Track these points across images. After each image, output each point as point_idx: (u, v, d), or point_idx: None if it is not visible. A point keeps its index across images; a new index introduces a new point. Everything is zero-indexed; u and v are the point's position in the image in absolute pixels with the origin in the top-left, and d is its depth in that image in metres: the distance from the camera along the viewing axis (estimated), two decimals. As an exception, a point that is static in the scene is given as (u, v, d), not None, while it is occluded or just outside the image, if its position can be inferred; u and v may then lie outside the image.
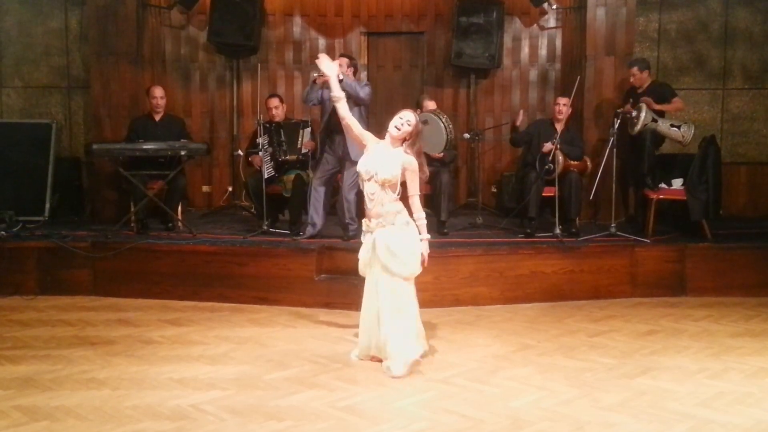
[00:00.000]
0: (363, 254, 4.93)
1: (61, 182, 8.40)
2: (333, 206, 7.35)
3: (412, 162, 4.76)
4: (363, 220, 4.95)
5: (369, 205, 4.84)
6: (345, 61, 6.83)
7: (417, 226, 4.83)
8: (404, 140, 4.81)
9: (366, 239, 4.91)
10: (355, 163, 6.54)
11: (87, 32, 8.39)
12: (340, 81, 6.39)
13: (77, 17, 8.75)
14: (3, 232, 7.14)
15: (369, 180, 4.80)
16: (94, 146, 7.24)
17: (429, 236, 4.89)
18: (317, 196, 6.91)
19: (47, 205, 8.15)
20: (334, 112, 6.71)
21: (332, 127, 6.78)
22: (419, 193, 4.84)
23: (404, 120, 4.80)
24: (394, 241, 4.76)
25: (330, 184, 7.04)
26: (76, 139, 8.92)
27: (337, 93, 5.04)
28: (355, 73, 6.92)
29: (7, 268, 6.84)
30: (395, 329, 4.78)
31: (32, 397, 4.36)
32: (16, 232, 7.27)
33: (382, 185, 4.75)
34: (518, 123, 7.90)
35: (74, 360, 5.05)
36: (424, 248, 4.84)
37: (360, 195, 7.20)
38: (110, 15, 7.99)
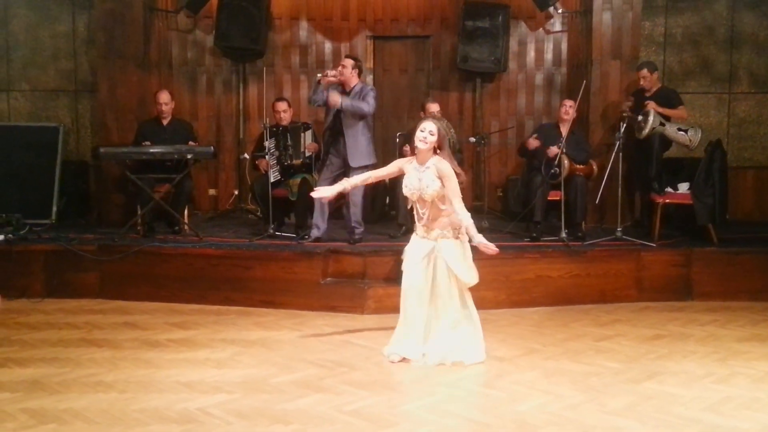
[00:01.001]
0: (414, 254, 5.05)
1: (68, 185, 8.43)
2: (339, 209, 7.36)
3: (445, 168, 4.86)
4: (418, 224, 5.08)
5: (424, 220, 4.99)
6: (350, 62, 6.86)
7: (466, 228, 4.90)
8: (434, 150, 4.92)
9: (420, 243, 5.04)
10: (356, 169, 6.61)
11: (94, 36, 8.42)
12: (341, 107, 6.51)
13: (84, 21, 8.79)
14: (10, 235, 7.16)
15: (418, 200, 4.97)
16: (101, 150, 7.27)
17: (480, 236, 4.94)
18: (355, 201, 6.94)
19: (54, 209, 8.18)
20: (337, 113, 6.78)
21: (337, 129, 6.81)
22: (460, 196, 4.91)
23: (426, 132, 4.90)
24: (457, 253, 4.94)
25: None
26: (83, 142, 8.95)
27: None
28: (359, 75, 6.94)
29: (15, 271, 6.87)
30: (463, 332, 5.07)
31: (40, 399, 4.38)
32: (23, 235, 7.29)
33: (432, 202, 4.89)
34: (529, 147, 7.70)
35: (81, 363, 5.06)
36: (484, 243, 4.94)
37: (366, 198, 7.24)
38: (117, 19, 8.03)
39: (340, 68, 6.82)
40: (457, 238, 4.96)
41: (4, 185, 8.16)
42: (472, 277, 5.05)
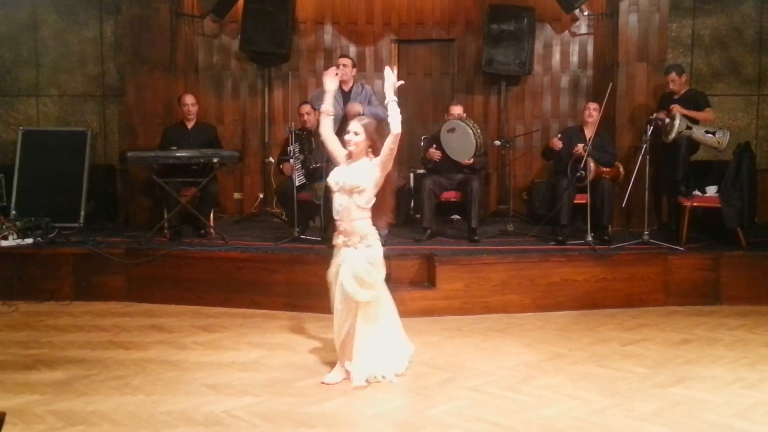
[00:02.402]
0: (331, 270, 4.82)
1: (95, 189, 8.53)
2: None
3: (380, 155, 4.60)
4: (334, 234, 4.82)
5: (336, 217, 4.71)
6: (350, 61, 7.00)
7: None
8: (369, 149, 4.69)
9: (337, 254, 4.77)
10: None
11: (121, 41, 8.50)
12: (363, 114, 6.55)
13: (112, 26, 8.88)
14: (39, 239, 7.26)
15: (338, 191, 4.68)
16: (129, 154, 7.34)
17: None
18: None
19: (82, 212, 8.28)
20: (343, 117, 6.80)
21: (340, 129, 6.84)
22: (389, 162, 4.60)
23: (351, 132, 4.67)
24: (360, 268, 4.62)
25: None
26: (111, 146, 9.04)
27: (327, 107, 4.95)
28: (356, 72, 7.14)
29: (43, 274, 6.96)
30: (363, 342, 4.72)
31: (68, 401, 4.43)
32: (52, 239, 7.39)
33: (350, 192, 4.62)
34: (555, 148, 7.64)
35: (109, 365, 5.11)
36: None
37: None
38: (144, 24, 8.11)
39: (341, 68, 6.84)
40: (368, 246, 4.65)
41: (34, 189, 8.28)
42: (362, 294, 4.63)
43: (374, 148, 4.68)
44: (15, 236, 7.13)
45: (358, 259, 4.63)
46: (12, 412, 4.15)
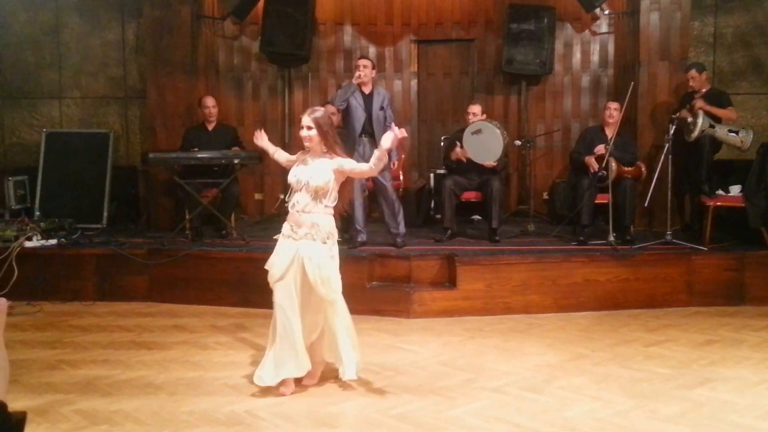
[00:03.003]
0: (281, 260, 4.58)
1: (118, 190, 8.58)
2: (369, 215, 7.44)
3: (343, 162, 4.54)
4: (285, 224, 4.64)
5: (297, 212, 4.55)
6: (370, 63, 7.02)
7: (379, 156, 4.45)
8: (323, 144, 4.57)
9: (285, 246, 4.59)
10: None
11: (143, 44, 8.56)
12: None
13: (133, 29, 8.94)
14: (63, 239, 7.32)
15: (300, 190, 4.56)
16: (150, 155, 7.39)
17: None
18: (359, 202, 6.99)
19: (105, 213, 8.34)
20: (369, 117, 6.82)
21: (364, 131, 6.85)
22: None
23: (304, 128, 4.58)
24: (321, 258, 4.48)
25: (364, 189, 7.15)
26: (133, 148, 9.09)
27: (279, 158, 5.01)
28: (375, 73, 7.17)
29: (67, 275, 7.02)
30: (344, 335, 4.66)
31: (92, 401, 4.46)
32: (76, 240, 7.45)
33: (315, 194, 4.51)
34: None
35: (132, 365, 5.15)
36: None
37: (365, 201, 7.23)
38: (165, 27, 8.16)
39: (362, 69, 6.88)
40: (324, 242, 4.51)
41: (57, 191, 8.36)
42: (327, 290, 4.52)
43: (325, 140, 4.55)
44: (39, 237, 7.19)
45: (323, 255, 4.50)
46: (36, 412, 4.20)
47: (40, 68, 9.06)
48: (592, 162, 7.24)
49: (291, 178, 4.65)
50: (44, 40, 9.02)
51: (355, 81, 6.81)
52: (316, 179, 4.51)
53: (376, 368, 5.03)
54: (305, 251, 4.49)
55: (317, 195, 4.52)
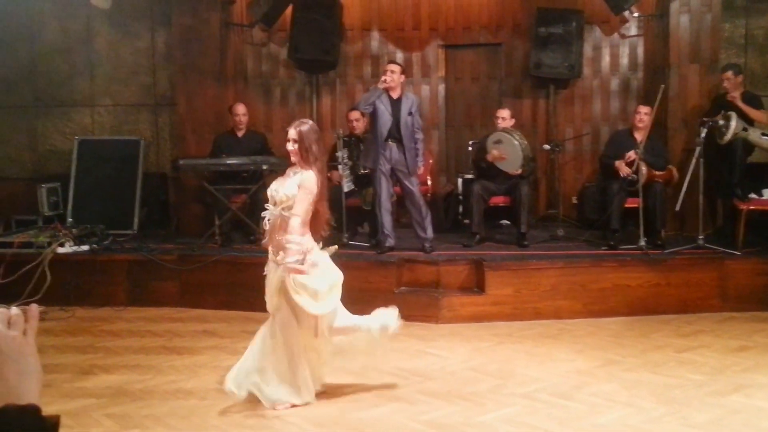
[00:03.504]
0: (269, 289, 4.58)
1: (148, 197, 8.65)
2: (397, 220, 7.44)
3: (307, 178, 4.38)
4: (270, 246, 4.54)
5: (265, 228, 4.52)
6: (398, 68, 7.03)
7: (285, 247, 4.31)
8: (300, 158, 4.47)
9: (271, 270, 4.53)
10: (413, 176, 6.80)
11: (173, 51, 8.64)
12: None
13: (163, 37, 9.02)
14: (94, 245, 7.41)
15: (271, 203, 4.50)
16: (180, 162, 7.46)
17: (294, 259, 4.26)
18: (387, 208, 6.99)
19: (136, 219, 8.42)
20: (396, 122, 6.84)
21: (390, 136, 6.83)
22: (302, 218, 4.35)
23: (290, 141, 4.47)
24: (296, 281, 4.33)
25: (392, 194, 7.18)
26: (163, 155, 9.17)
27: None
28: (405, 78, 7.16)
29: (99, 280, 7.11)
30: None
31: (123, 405, 4.51)
32: (107, 246, 7.54)
33: (281, 206, 4.41)
34: (622, 174, 7.26)
35: (163, 370, 5.19)
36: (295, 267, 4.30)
37: (393, 206, 7.21)
38: (195, 35, 8.24)
39: (389, 74, 6.85)
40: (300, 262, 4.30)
41: (89, 197, 8.45)
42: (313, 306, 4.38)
43: (302, 154, 4.44)
44: (71, 243, 7.29)
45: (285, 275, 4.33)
46: (69, 416, 4.25)
47: (72, 76, 9.18)
48: (622, 167, 7.16)
49: (269, 189, 4.58)
50: (76, 49, 9.14)
51: (380, 86, 6.81)
52: (280, 192, 4.43)
53: (405, 374, 5.03)
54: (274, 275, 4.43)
55: (283, 208, 4.41)
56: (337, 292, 4.52)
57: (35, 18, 9.09)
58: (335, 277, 4.52)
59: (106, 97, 9.20)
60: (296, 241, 4.28)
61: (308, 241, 4.43)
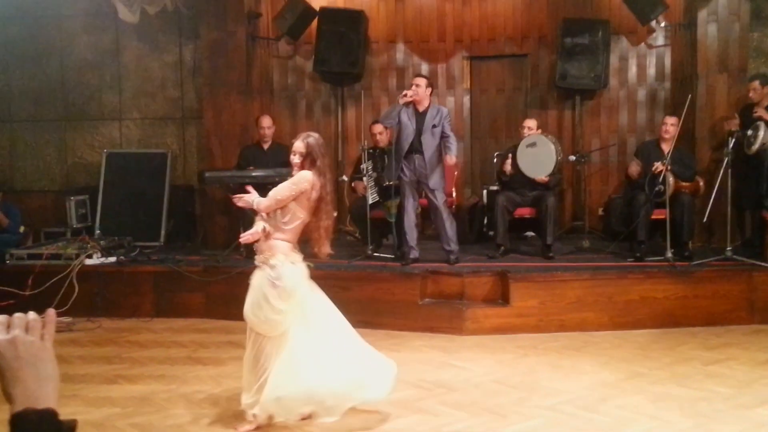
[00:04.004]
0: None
1: (175, 209, 8.75)
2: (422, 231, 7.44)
3: (300, 175, 4.34)
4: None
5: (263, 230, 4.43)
6: (423, 81, 7.02)
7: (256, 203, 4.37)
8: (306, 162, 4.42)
9: (256, 275, 4.50)
10: (435, 190, 6.80)
11: (200, 65, 8.74)
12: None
13: (191, 51, 9.13)
14: (122, 257, 7.49)
15: None
16: (206, 174, 7.53)
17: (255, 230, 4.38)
18: (411, 219, 6.99)
19: (163, 231, 8.51)
20: (418, 134, 6.84)
21: (413, 148, 6.83)
22: (272, 203, 4.30)
23: (295, 152, 4.43)
24: (262, 290, 4.34)
25: (417, 206, 7.19)
26: (190, 167, 9.26)
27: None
28: (431, 93, 7.11)
29: (126, 291, 7.19)
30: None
31: (148, 415, 4.54)
32: (134, 257, 7.61)
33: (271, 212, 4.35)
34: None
35: (187, 380, 5.23)
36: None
37: (418, 218, 7.18)
38: (222, 48, 8.32)
39: (414, 88, 6.86)
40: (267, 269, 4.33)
41: (117, 209, 8.57)
42: (262, 326, 4.34)
43: (311, 160, 4.40)
44: (99, 255, 7.37)
45: (266, 281, 4.32)
46: (93, 425, 4.29)
47: (101, 90, 9.32)
48: (632, 169, 7.27)
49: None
50: (105, 63, 9.28)
51: (401, 101, 6.82)
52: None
53: (429, 385, 5.01)
54: (254, 278, 4.39)
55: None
56: (295, 311, 4.37)
57: (65, 33, 9.25)
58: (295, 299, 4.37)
59: (134, 111, 9.33)
60: (260, 201, 4.34)
61: (287, 251, 4.37)
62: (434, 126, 6.91)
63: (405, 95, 6.80)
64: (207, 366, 5.57)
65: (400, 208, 7.05)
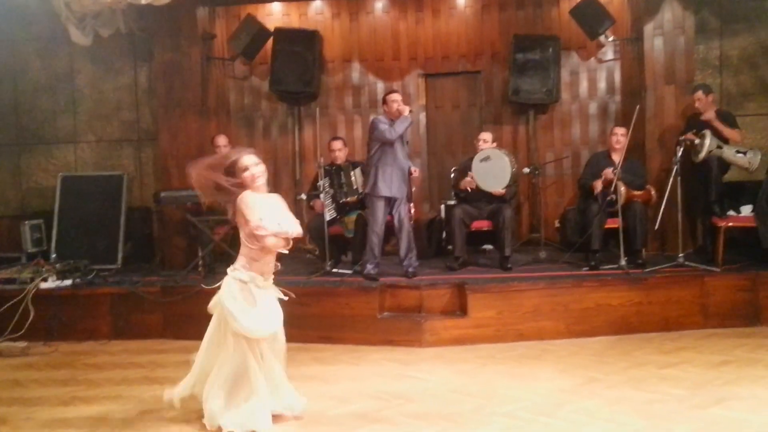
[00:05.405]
0: None
1: (132, 231, 8.67)
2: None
3: (241, 198, 4.50)
4: None
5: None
6: (399, 96, 7.04)
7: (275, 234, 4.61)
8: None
9: None
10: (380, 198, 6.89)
11: (155, 87, 8.71)
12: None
13: (146, 73, 9.10)
14: (78, 280, 7.39)
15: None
16: (162, 194, 7.50)
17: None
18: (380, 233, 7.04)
19: (120, 254, 8.42)
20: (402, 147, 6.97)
21: (387, 162, 6.90)
22: (259, 225, 4.49)
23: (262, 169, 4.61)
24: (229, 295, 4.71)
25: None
26: (147, 189, 9.18)
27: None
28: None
29: (82, 315, 7.08)
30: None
31: (103, 435, 4.48)
32: (90, 280, 7.51)
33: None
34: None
35: (144, 400, 5.17)
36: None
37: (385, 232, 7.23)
38: (176, 69, 8.32)
39: (400, 102, 7.04)
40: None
41: (73, 233, 8.46)
42: (245, 328, 4.68)
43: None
44: (54, 278, 7.27)
45: (230, 287, 4.72)
46: (48, 446, 4.22)
47: (56, 114, 9.24)
48: (597, 184, 7.27)
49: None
50: (59, 86, 9.21)
51: (406, 113, 6.97)
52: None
53: (387, 396, 5.02)
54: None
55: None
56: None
57: (19, 56, 9.17)
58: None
59: (89, 134, 9.26)
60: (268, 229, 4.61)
61: (239, 264, 4.71)
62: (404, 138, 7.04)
63: (407, 109, 7.02)
64: (164, 385, 5.46)
65: (372, 221, 7.06)
